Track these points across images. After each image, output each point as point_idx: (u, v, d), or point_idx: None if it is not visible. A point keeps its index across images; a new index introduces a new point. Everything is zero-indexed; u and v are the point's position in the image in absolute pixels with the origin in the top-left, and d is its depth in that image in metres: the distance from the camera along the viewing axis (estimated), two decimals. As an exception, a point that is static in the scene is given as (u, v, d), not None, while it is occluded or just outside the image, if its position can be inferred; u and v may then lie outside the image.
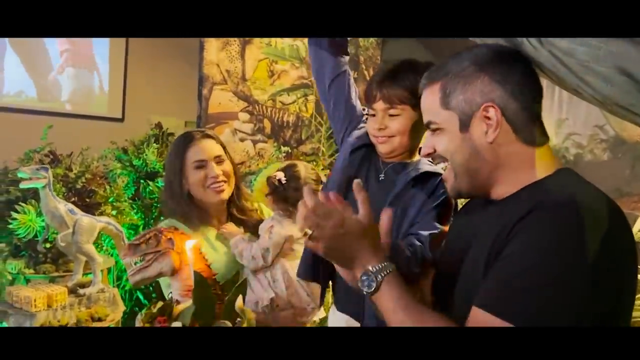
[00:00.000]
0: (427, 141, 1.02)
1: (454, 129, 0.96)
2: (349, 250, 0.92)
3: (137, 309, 2.90)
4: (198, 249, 1.13)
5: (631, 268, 0.85)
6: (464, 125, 0.95)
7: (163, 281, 1.49)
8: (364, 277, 0.92)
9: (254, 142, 4.41)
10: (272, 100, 4.46)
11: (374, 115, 1.39)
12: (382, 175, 1.42)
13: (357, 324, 1.40)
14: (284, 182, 1.61)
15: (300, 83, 4.55)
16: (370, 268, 0.91)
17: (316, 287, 1.54)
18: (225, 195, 1.65)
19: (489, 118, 0.93)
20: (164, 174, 2.16)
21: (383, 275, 0.90)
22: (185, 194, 1.63)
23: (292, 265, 1.56)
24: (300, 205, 0.93)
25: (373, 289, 0.90)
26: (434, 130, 1.00)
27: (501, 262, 0.84)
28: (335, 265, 1.00)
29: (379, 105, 1.36)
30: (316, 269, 1.44)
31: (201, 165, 1.62)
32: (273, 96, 4.49)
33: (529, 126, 0.93)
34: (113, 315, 2.08)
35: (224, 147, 1.69)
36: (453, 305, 0.98)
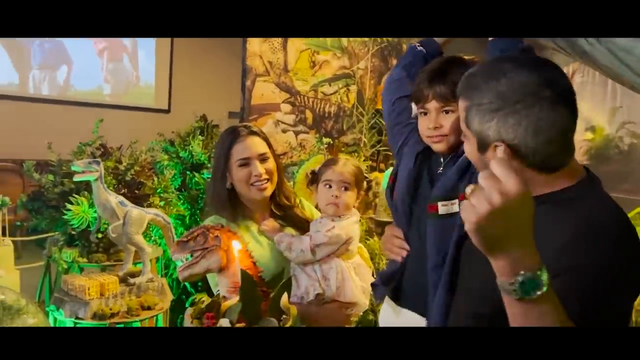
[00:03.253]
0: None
1: (473, 146, 1.02)
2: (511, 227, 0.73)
3: (183, 297, 2.99)
4: (245, 247, 1.15)
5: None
6: (481, 148, 1.00)
7: (212, 279, 1.51)
8: (529, 278, 0.74)
9: (296, 133, 4.43)
10: (313, 91, 4.46)
11: (425, 114, 1.41)
12: (441, 169, 1.44)
13: (423, 321, 1.42)
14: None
15: (342, 73, 4.53)
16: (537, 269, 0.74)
17: (368, 287, 1.56)
18: (268, 192, 1.64)
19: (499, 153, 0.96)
20: (210, 167, 2.18)
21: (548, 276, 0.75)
22: (229, 190, 1.64)
23: (347, 265, 1.56)
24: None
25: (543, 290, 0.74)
26: (464, 135, 1.07)
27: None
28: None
29: (432, 104, 1.38)
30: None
31: (245, 163, 1.61)
32: (315, 87, 4.49)
33: (545, 159, 0.95)
34: (162, 304, 2.14)
35: (269, 143, 1.69)
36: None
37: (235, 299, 1.04)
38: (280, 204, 1.70)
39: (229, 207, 1.62)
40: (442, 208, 1.38)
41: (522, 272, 0.74)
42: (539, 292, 0.74)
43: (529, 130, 0.92)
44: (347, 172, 1.59)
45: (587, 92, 3.81)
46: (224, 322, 0.99)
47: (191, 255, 1.14)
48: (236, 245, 1.10)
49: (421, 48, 1.62)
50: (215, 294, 1.23)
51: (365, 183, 1.64)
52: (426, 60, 1.59)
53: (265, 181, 1.61)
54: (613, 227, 0.90)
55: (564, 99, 0.94)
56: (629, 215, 2.96)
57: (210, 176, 1.78)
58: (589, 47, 0.84)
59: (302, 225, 1.69)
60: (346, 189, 1.58)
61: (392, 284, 1.51)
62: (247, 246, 1.17)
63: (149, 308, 2.10)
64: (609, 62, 0.85)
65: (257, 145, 1.64)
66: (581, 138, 3.99)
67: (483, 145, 0.99)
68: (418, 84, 1.42)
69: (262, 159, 1.63)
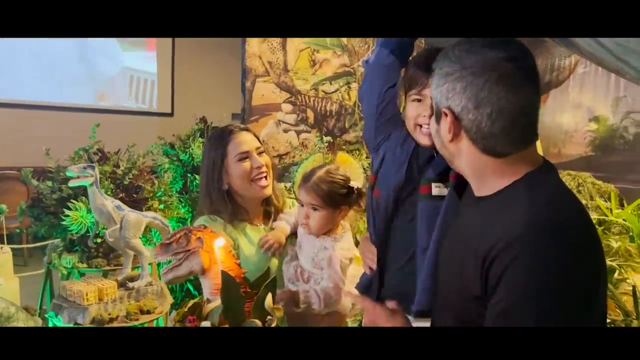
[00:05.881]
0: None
1: (432, 117, 1.05)
2: None
3: (187, 299, 2.98)
4: (227, 248, 1.13)
5: (602, 277, 0.92)
6: (437, 117, 1.02)
7: None
8: None
9: (298, 133, 4.41)
10: (314, 90, 4.44)
11: (419, 100, 1.37)
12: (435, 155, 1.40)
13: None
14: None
15: (343, 71, 4.51)
16: None
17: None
18: (269, 190, 1.65)
19: (447, 121, 0.98)
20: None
21: None
22: (225, 189, 1.63)
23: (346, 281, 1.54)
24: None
25: None
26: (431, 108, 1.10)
27: (492, 307, 0.88)
28: None
29: (429, 91, 1.29)
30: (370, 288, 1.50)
31: (245, 157, 1.62)
32: (315, 85, 4.48)
33: (488, 139, 0.94)
34: (161, 308, 2.13)
35: (260, 141, 1.70)
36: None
37: (218, 301, 1.03)
38: (271, 201, 1.70)
39: (227, 209, 1.60)
40: (436, 189, 1.37)
41: None
42: None
43: (472, 99, 0.92)
44: (315, 193, 1.53)
45: (590, 83, 3.76)
46: (206, 325, 0.98)
47: (172, 259, 1.13)
48: (218, 244, 1.09)
49: None
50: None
51: (354, 196, 1.58)
52: (411, 41, 1.53)
53: (265, 173, 1.61)
54: (532, 237, 0.87)
55: (516, 82, 0.92)
56: (637, 202, 2.92)
57: (200, 181, 1.74)
58: (569, 33, 0.82)
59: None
60: (315, 209, 1.53)
61: (371, 289, 1.49)
62: (231, 247, 1.16)
63: (148, 312, 2.09)
64: (588, 46, 0.82)
65: (252, 139, 1.66)
66: (585, 128, 3.94)
67: (438, 113, 1.00)
68: (415, 69, 1.38)
69: (259, 152, 1.64)
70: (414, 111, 1.38)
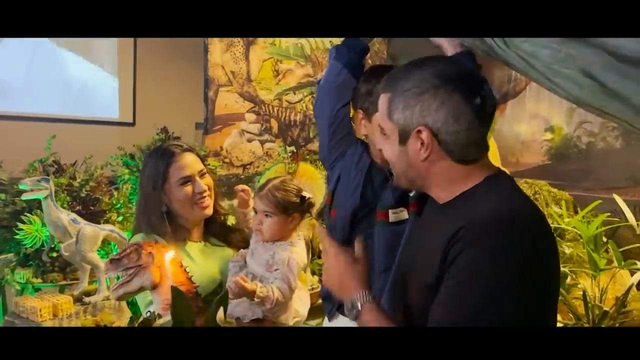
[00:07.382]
0: (379, 141, 1.11)
1: (395, 140, 1.04)
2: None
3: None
4: (178, 262, 1.13)
5: (556, 271, 0.97)
6: (403, 139, 1.02)
7: (140, 300, 1.48)
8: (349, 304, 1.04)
9: (262, 142, 4.40)
10: (278, 100, 4.45)
11: None
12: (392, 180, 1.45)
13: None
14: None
15: (306, 81, 4.53)
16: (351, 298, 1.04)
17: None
18: (210, 210, 1.61)
19: (422, 139, 0.99)
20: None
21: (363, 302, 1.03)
22: (164, 211, 1.58)
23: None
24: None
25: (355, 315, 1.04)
26: (384, 135, 1.07)
27: (444, 284, 0.92)
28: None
29: None
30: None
31: (187, 181, 1.57)
32: (279, 95, 4.48)
33: (463, 148, 0.98)
34: (118, 323, 2.10)
35: (201, 159, 1.66)
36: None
37: (168, 316, 1.03)
38: (213, 219, 1.66)
39: (162, 229, 1.55)
40: (393, 216, 1.40)
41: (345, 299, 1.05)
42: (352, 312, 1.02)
43: (451, 113, 0.96)
44: (268, 200, 1.56)
45: (545, 93, 3.88)
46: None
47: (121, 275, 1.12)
48: (167, 258, 1.09)
49: (362, 39, 1.54)
50: (144, 315, 1.21)
51: (305, 205, 1.59)
52: (363, 55, 1.53)
53: (208, 197, 1.58)
54: (489, 232, 0.91)
55: (480, 92, 0.97)
56: (585, 210, 3.02)
57: (138, 199, 1.67)
58: (502, 53, 0.85)
59: (238, 242, 1.67)
60: (267, 215, 1.55)
61: (330, 297, 1.51)
62: (182, 261, 1.15)
63: (105, 327, 2.05)
64: (523, 68, 0.86)
65: (195, 162, 1.61)
66: (541, 138, 4.06)
67: (405, 134, 1.01)
68: None
69: (201, 175, 1.59)
70: None
